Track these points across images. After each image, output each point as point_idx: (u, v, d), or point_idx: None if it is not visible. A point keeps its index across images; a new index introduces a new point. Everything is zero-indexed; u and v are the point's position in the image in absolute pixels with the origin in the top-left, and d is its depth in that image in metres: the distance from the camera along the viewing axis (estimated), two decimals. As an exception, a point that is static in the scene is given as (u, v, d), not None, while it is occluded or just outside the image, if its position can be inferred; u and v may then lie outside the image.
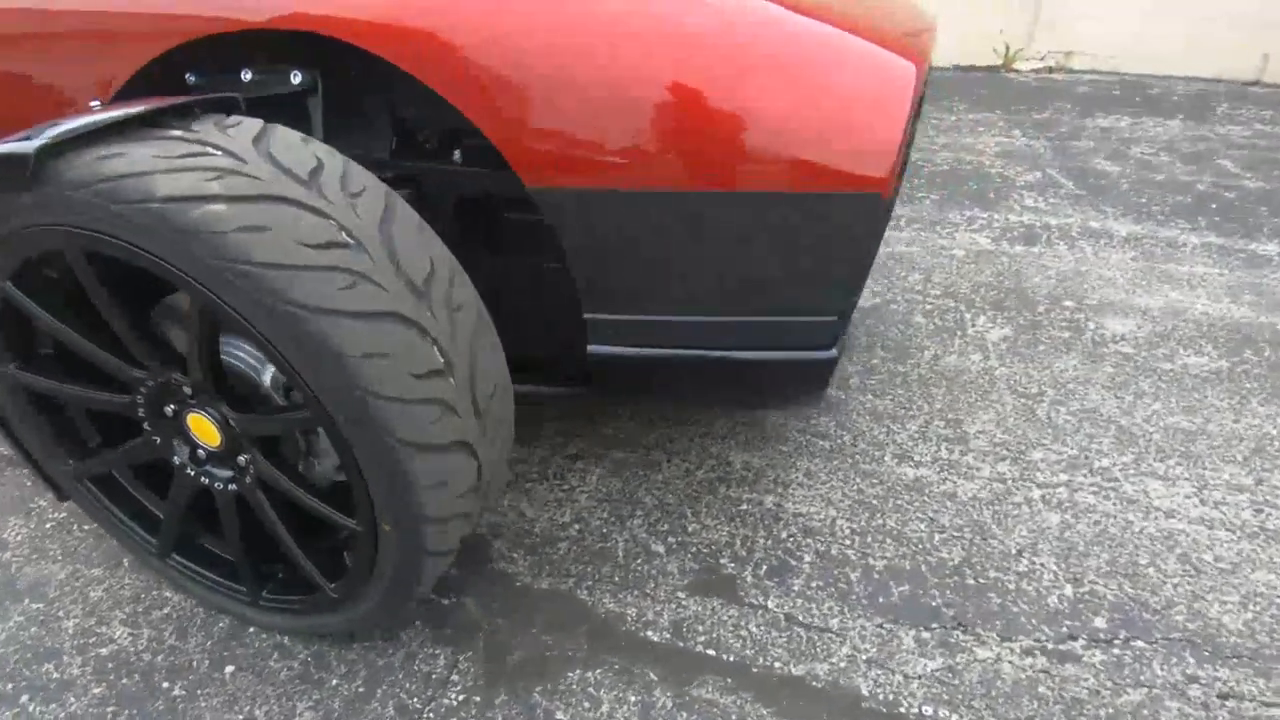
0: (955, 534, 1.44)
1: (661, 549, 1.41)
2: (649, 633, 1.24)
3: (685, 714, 1.11)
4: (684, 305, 1.18)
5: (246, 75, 1.18)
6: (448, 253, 1.02)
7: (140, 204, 0.82)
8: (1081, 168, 3.40)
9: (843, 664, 1.19)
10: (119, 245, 0.86)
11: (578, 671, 1.18)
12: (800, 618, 1.27)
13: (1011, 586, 1.33)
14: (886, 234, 2.72)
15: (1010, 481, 1.57)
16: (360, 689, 1.14)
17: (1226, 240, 2.63)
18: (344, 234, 0.89)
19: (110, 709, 1.11)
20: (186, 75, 1.21)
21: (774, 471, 1.61)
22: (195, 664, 1.19)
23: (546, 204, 1.09)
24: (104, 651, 1.21)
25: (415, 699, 1.13)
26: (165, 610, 1.28)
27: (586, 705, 1.12)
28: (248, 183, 0.86)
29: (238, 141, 0.91)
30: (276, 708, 1.11)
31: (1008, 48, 5.60)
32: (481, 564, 1.38)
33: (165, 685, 1.15)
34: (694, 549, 1.41)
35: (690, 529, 1.46)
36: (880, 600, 1.30)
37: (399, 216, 0.97)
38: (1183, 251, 2.57)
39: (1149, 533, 1.44)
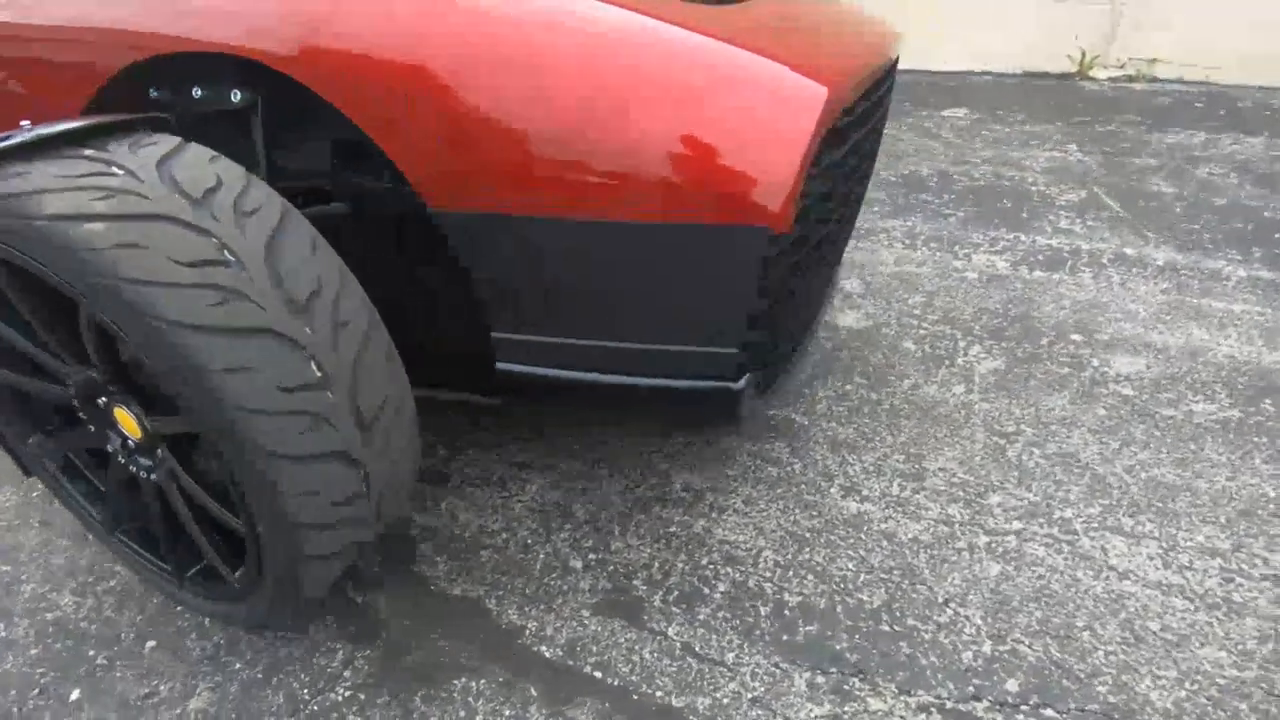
0: (883, 576, 1.39)
1: (579, 565, 1.42)
2: (543, 648, 1.26)
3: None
4: (584, 330, 1.19)
5: (197, 93, 1.26)
6: (339, 270, 1.06)
7: (29, 220, 0.89)
8: (1134, 188, 3.18)
9: (725, 700, 1.17)
10: (19, 257, 0.94)
11: (463, 679, 1.21)
12: (697, 648, 1.26)
13: (927, 637, 1.27)
14: (900, 252, 2.63)
15: (957, 525, 1.50)
16: (259, 675, 1.21)
17: (1279, 275, 2.41)
18: (225, 252, 0.94)
19: (40, 670, 1.22)
20: (149, 90, 1.30)
21: (713, 495, 1.59)
22: (123, 636, 1.29)
23: (446, 226, 1.12)
24: (49, 617, 1.32)
25: (305, 690, 1.19)
26: (111, 583, 1.39)
27: (462, 714, 1.15)
28: (135, 201, 0.92)
29: (142, 161, 0.98)
30: (180, 685, 1.19)
31: (1083, 54, 5.28)
32: (404, 565, 1.43)
33: (91, 654, 1.25)
34: (611, 568, 1.42)
35: (614, 547, 1.47)
36: (784, 638, 1.27)
37: (290, 235, 1.02)
38: (1224, 285, 2.37)
39: (1095, 593, 1.35)
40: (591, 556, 1.44)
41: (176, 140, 1.05)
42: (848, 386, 1.94)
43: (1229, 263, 2.52)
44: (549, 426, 1.81)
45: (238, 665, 1.23)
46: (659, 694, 1.18)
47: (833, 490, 1.59)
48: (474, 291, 1.17)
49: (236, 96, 1.23)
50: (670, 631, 1.29)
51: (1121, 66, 5.25)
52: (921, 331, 2.17)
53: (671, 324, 1.15)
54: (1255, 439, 1.71)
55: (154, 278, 0.88)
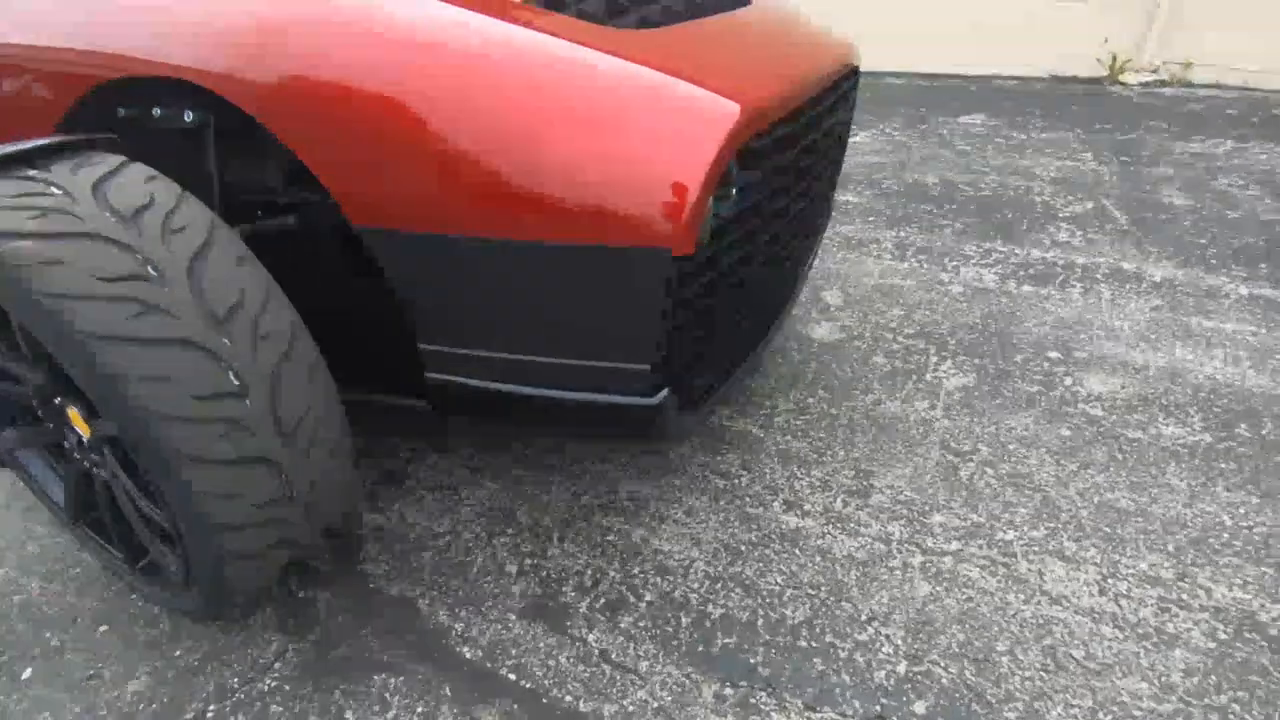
0: (810, 592, 1.40)
1: (514, 569, 1.47)
2: (465, 649, 1.30)
3: (454, 736, 1.17)
4: (503, 344, 1.22)
5: (156, 112, 1.34)
6: (265, 284, 1.11)
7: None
8: (1145, 199, 3.09)
9: (632, 708, 1.20)
10: (-37, 269, 1.03)
11: (384, 676, 1.26)
12: (613, 655, 1.28)
13: (843, 655, 1.28)
14: (886, 264, 2.61)
15: (894, 543, 1.50)
16: (195, 662, 1.28)
17: None
18: (147, 267, 1.01)
19: None
20: (117, 109, 1.38)
21: (656, 505, 1.61)
22: (79, 620, 1.37)
23: (370, 242, 1.18)
24: (16, 600, 1.42)
25: (236, 679, 1.25)
26: (77, 570, 1.48)
27: (375, 709, 1.20)
28: (64, 220, 0.99)
29: (79, 181, 1.05)
30: (123, 669, 1.27)
31: (1114, 57, 5.13)
32: (350, 563, 1.49)
33: (48, 635, 1.34)
34: (545, 573, 1.45)
35: (550, 553, 1.50)
36: (700, 649, 1.29)
37: (216, 250, 1.08)
38: (1220, 304, 2.30)
39: (1023, 617, 1.33)
40: (528, 562, 1.48)
41: (118, 160, 1.12)
42: (810, 399, 1.94)
43: (1231, 280, 2.44)
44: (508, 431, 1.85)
45: (178, 652, 1.30)
46: (568, 698, 1.21)
47: (776, 504, 1.60)
48: (400, 304, 1.22)
49: (189, 117, 1.30)
50: (590, 638, 1.32)
51: (1154, 71, 5.09)
52: (894, 345, 2.15)
53: (585, 340, 1.18)
54: (1222, 465, 1.67)
55: (73, 291, 0.95)
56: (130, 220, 1.03)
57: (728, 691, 1.22)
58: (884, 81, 5.31)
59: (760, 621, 1.34)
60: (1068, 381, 1.97)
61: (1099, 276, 2.50)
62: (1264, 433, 1.76)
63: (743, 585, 1.42)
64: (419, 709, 1.20)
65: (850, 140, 4.09)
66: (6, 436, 1.40)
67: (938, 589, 1.40)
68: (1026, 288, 2.45)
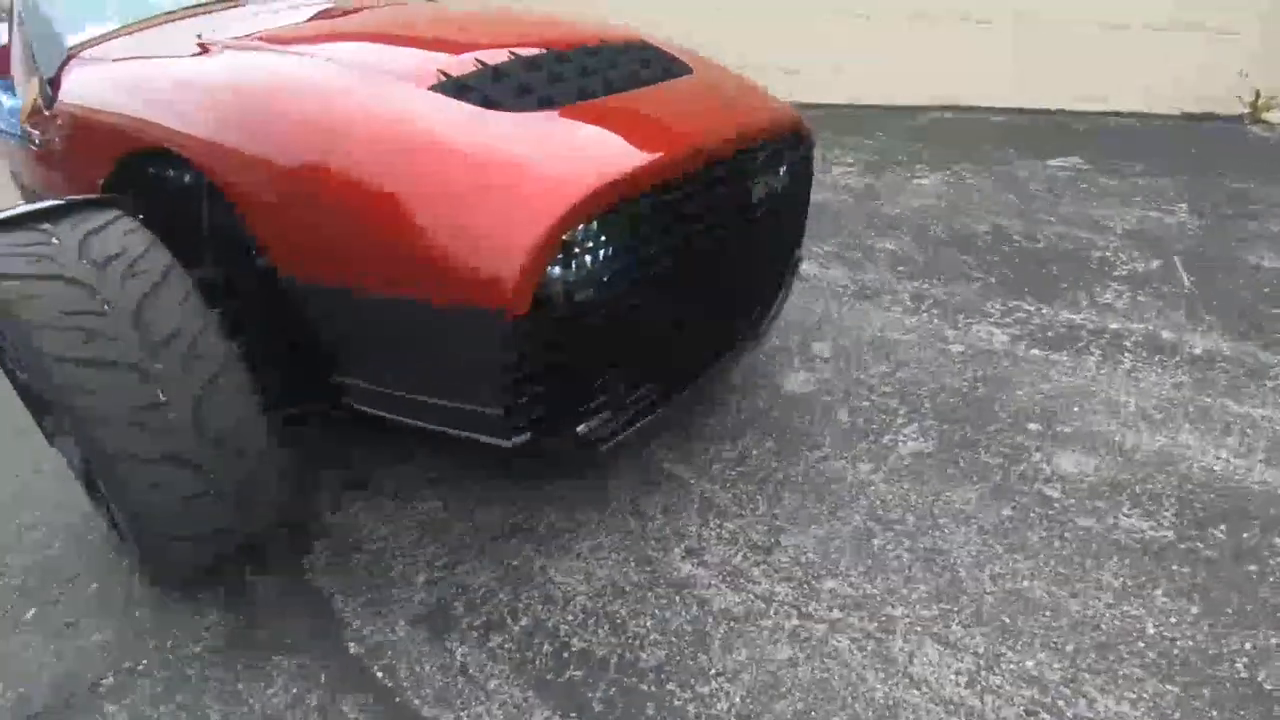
0: (673, 639, 1.45)
1: (423, 579, 1.63)
2: (352, 644, 1.48)
3: (318, 716, 1.34)
4: (388, 380, 1.40)
5: (169, 173, 1.65)
6: (202, 318, 1.35)
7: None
8: (1226, 259, 2.80)
9: (467, 720, 1.32)
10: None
11: (279, 657, 1.46)
12: (471, 670, 1.41)
13: (677, 704, 1.32)
14: (894, 316, 2.55)
15: (775, 603, 1.51)
16: (148, 624, 1.55)
17: (1337, 380, 2.05)
18: (103, 305, 1.28)
19: (14, 595, 1.66)
20: (148, 168, 1.71)
21: (569, 536, 1.72)
22: (79, 578, 1.69)
23: (288, 289, 1.39)
24: (42, 555, 1.77)
25: (171, 640, 1.50)
26: (93, 537, 1.82)
27: (262, 685, 1.40)
28: (48, 265, 1.28)
29: (73, 234, 1.34)
30: (94, 622, 1.56)
31: (1257, 94, 4.59)
32: (297, 555, 1.72)
33: (53, 587, 1.67)
34: (448, 587, 1.60)
35: (459, 569, 1.65)
36: (548, 677, 1.39)
37: (165, 292, 1.33)
38: (1261, 386, 2.06)
39: (873, 697, 1.31)
40: (437, 574, 1.64)
41: (110, 216, 1.41)
42: (755, 450, 1.96)
43: (1289, 360, 2.17)
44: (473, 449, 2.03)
45: (138, 613, 1.58)
46: (416, 701, 1.35)
47: (677, 550, 1.66)
48: (316, 340, 1.43)
49: (187, 178, 1.60)
50: (458, 651, 1.45)
51: (1304, 110, 4.49)
52: (864, 403, 2.12)
53: (450, 385, 1.34)
54: (1174, 567, 1.52)
55: (40, 321, 1.23)
56: (100, 266, 1.31)
57: (556, 720, 1.31)
58: (980, 119, 5.06)
59: (614, 660, 1.42)
60: (1036, 457, 1.86)
61: (1127, 345, 2.30)
62: (1243, 538, 1.58)
63: (613, 624, 1.49)
64: (294, 689, 1.39)
65: (914, 183, 3.97)
66: (44, 423, 1.76)
67: (798, 654, 1.40)
68: (1036, 351, 2.31)
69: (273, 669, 1.44)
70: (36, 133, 2.00)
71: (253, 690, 1.40)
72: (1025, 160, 4.15)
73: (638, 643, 1.45)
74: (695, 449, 1.98)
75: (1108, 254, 2.92)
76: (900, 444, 1.94)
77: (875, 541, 1.64)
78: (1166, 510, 1.67)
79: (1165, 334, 2.35)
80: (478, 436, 1.36)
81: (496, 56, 1.53)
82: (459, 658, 1.44)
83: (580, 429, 1.50)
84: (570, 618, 1.51)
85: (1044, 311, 2.54)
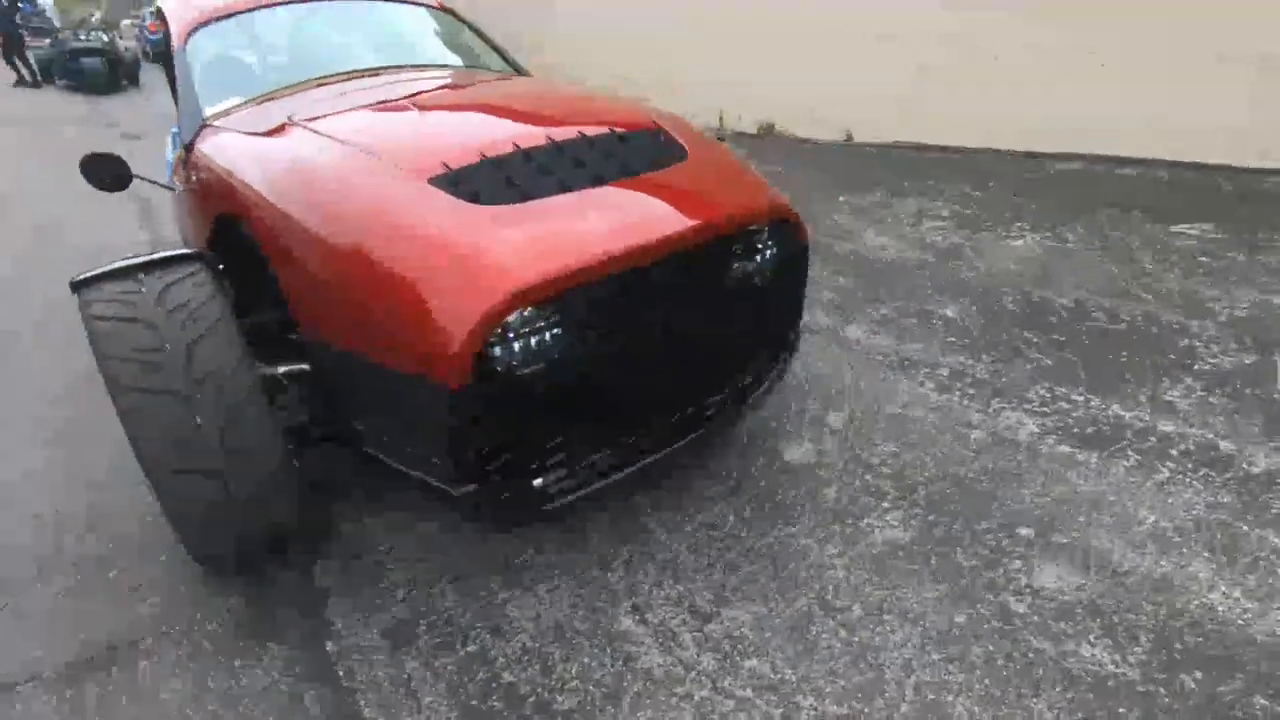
0: (591, 688, 1.57)
1: (402, 594, 1.85)
2: (329, 643, 1.72)
3: (285, 701, 1.60)
4: (376, 427, 1.64)
5: (243, 233, 2.01)
6: (237, 359, 1.66)
7: (85, 314, 1.65)
8: (1334, 365, 2.46)
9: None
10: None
11: (273, 644, 1.74)
12: (414, 684, 1.61)
13: (572, 751, 1.45)
14: (922, 392, 2.51)
15: (695, 672, 1.58)
16: (184, 600, 1.90)
17: None
18: (164, 344, 1.62)
19: (69, 570, 2.08)
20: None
21: (533, 575, 1.88)
22: (148, 550, 2.09)
23: (304, 343, 1.68)
24: (124, 530, 2.20)
25: (199, 614, 1.83)
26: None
27: (251, 665, 1.68)
28: (130, 309, 1.64)
29: (157, 285, 1.70)
30: (149, 591, 1.93)
31: None
32: (314, 558, 2.01)
33: (128, 557, 2.07)
34: (420, 604, 1.82)
35: (435, 589, 1.86)
36: (473, 703, 1.55)
37: (213, 336, 1.65)
38: (1318, 520, 1.84)
39: (751, 782, 1.36)
40: (415, 592, 1.87)
41: (189, 270, 1.76)
42: (732, 517, 2.03)
43: (1367, 493, 1.91)
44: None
45: (182, 588, 1.93)
46: (363, 704, 1.57)
47: (625, 605, 1.77)
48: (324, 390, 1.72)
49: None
50: (409, 666, 1.65)
51: None
52: (855, 483, 2.11)
53: (415, 435, 1.55)
54: (1122, 709, 1.43)
55: (115, 355, 1.58)
56: (168, 313, 1.65)
57: (464, 743, 1.48)
58: (1112, 171, 4.67)
59: (532, 699, 1.56)
60: (1015, 566, 1.78)
61: (1172, 452, 2.11)
62: (1218, 690, 1.45)
63: (544, 664, 1.64)
64: (274, 674, 1.66)
65: (1007, 243, 3.76)
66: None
67: (696, 726, 1.48)
68: (1063, 448, 2.17)
69: (265, 654, 1.72)
70: (178, 187, 2.48)
71: (245, 669, 1.68)
72: (1147, 223, 3.81)
73: (559, 686, 1.58)
74: (676, 506, 2.07)
75: (1197, 343, 2.66)
76: (876, 531, 1.93)
77: (813, 628, 1.67)
78: (1139, 646, 1.56)
79: (1224, 445, 2.13)
80: (433, 481, 1.57)
81: (502, 148, 1.74)
82: (408, 670, 1.65)
83: (536, 483, 1.67)
84: (510, 652, 1.68)
85: (1092, 403, 2.37)
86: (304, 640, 1.75)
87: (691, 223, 1.65)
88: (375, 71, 2.51)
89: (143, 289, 1.67)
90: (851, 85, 6.55)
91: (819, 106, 6.85)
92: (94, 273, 1.68)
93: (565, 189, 1.65)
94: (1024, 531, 1.88)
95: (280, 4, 2.74)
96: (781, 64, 7.02)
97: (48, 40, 14.66)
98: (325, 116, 2.02)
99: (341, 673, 1.65)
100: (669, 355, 1.74)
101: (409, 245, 1.48)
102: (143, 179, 2.48)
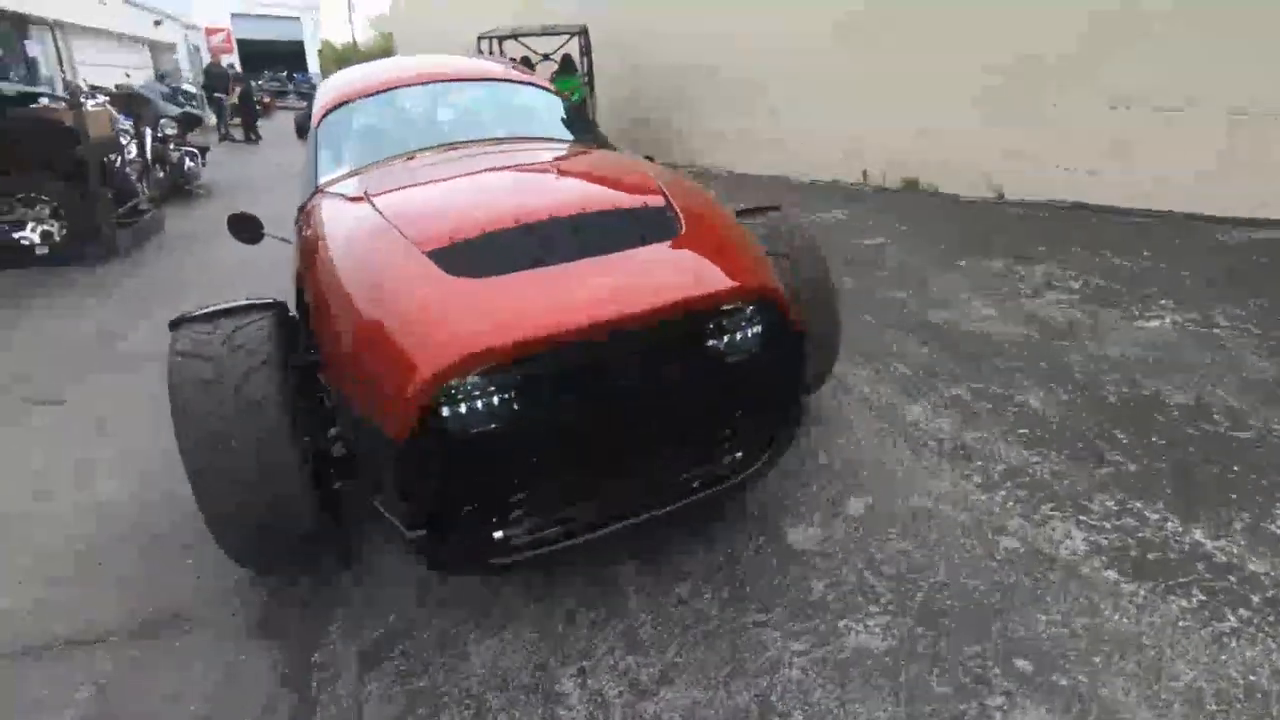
0: (511, 745, 1.62)
1: (392, 617, 2.02)
2: (317, 654, 1.92)
3: (263, 697, 1.80)
4: (361, 466, 1.84)
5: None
6: (276, 393, 1.94)
7: (170, 349, 2.02)
8: None
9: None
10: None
11: (276, 642, 1.97)
12: (366, 706, 1.75)
13: (471, 801, 1.50)
14: (963, 488, 2.32)
15: (610, 749, 1.57)
16: (230, 585, 2.20)
17: None
18: (221, 378, 1.94)
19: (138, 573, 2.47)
20: None
21: (507, 619, 1.96)
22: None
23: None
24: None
25: (239, 600, 2.12)
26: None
27: (256, 657, 1.92)
28: (200, 347, 1.98)
29: (229, 327, 2.03)
30: (201, 570, 2.27)
31: None
32: (341, 570, 2.25)
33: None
34: (400, 629, 1.96)
35: (419, 616, 2.00)
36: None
37: (259, 371, 1.95)
38: None
39: None
40: (402, 616, 2.02)
41: (258, 317, 2.07)
42: (708, 594, 1.98)
43: None
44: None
45: (236, 575, 2.25)
46: (319, 715, 1.74)
47: (572, 666, 1.80)
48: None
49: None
50: (371, 685, 1.80)
51: None
52: (850, 579, 1.97)
53: (380, 481, 1.73)
54: None
55: (181, 382, 1.92)
56: (230, 351, 1.97)
57: (386, 772, 1.59)
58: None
59: (456, 744, 1.64)
60: (995, 702, 1.58)
61: (1253, 599, 1.75)
62: None
63: (479, 709, 1.71)
64: (267, 667, 1.88)
65: (1137, 324, 3.29)
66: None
67: (590, 805, 1.47)
68: (1110, 574, 1.88)
69: (270, 647, 1.95)
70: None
71: (250, 658, 1.92)
72: (1327, 313, 3.18)
73: (484, 736, 1.65)
74: (659, 574, 2.07)
75: (1341, 467, 2.18)
76: (852, 634, 1.80)
77: (743, 727, 1.59)
78: (1112, 827, 1.32)
79: (1325, 599, 1.73)
80: (395, 522, 1.73)
81: (505, 222, 1.90)
82: (367, 692, 1.80)
83: (498, 535, 1.77)
84: (455, 691, 1.77)
85: (1168, 525, 2.03)
86: (301, 645, 1.97)
87: (658, 300, 1.69)
88: (461, 145, 2.81)
89: (216, 330, 2.00)
90: (1003, 139, 6.10)
91: (966, 161, 6.45)
92: (187, 314, 2.05)
93: (547, 263, 1.77)
94: (1020, 664, 1.66)
95: (401, 86, 3.16)
96: (927, 117, 6.71)
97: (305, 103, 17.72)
98: (390, 190, 2.31)
99: (315, 685, 1.84)
100: (633, 426, 1.77)
101: (389, 310, 1.68)
102: (273, 236, 2.95)
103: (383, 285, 1.75)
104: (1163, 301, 3.52)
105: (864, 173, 7.57)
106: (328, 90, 3.27)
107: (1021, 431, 2.57)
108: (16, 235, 6.13)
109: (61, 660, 1.96)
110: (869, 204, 6.60)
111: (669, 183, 2.26)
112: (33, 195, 6.15)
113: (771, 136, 8.71)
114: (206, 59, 22.89)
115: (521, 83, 3.36)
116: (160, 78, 16.67)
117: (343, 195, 2.47)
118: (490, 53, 10.45)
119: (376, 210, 2.12)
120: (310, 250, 2.16)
